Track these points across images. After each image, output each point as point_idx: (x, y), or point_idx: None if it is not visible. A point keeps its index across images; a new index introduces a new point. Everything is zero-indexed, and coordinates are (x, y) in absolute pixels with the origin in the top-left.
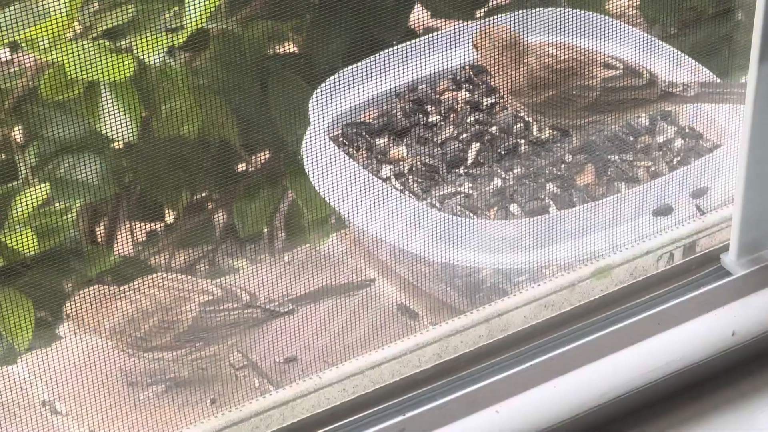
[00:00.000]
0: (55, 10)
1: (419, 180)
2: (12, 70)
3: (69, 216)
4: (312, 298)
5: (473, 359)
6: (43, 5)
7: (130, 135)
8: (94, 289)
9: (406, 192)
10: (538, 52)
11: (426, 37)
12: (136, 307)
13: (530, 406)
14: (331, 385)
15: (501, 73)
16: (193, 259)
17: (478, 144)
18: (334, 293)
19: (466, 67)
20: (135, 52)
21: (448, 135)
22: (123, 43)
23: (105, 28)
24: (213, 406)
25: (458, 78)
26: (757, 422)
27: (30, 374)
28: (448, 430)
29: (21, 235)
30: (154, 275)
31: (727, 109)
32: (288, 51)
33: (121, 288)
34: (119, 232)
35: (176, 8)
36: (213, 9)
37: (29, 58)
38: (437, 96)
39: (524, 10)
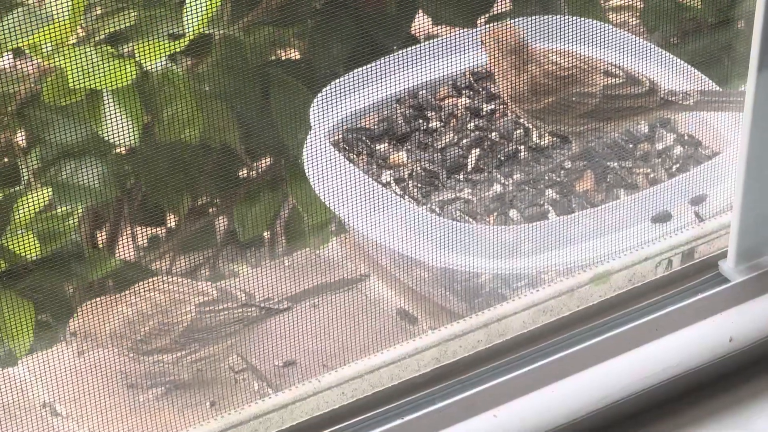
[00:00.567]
0: (58, 15)
1: (419, 185)
2: (15, 74)
3: (71, 220)
4: (307, 295)
5: (472, 363)
6: (46, 10)
7: (133, 140)
8: (94, 292)
9: (406, 197)
10: (540, 59)
11: (427, 43)
12: (135, 310)
13: (528, 410)
14: (331, 388)
15: (503, 77)
16: (194, 264)
17: (478, 150)
18: (330, 289)
19: (467, 74)
20: (137, 57)
21: (448, 141)
22: (125, 47)
23: (108, 32)
24: (212, 409)
25: (459, 84)
26: (755, 428)
27: (30, 376)
28: None
29: (23, 239)
30: (152, 279)
31: (726, 117)
32: (289, 56)
33: (121, 292)
34: (121, 237)
35: (178, 14)
36: (212, 15)
37: (32, 62)
38: (438, 102)
39: (526, 17)
